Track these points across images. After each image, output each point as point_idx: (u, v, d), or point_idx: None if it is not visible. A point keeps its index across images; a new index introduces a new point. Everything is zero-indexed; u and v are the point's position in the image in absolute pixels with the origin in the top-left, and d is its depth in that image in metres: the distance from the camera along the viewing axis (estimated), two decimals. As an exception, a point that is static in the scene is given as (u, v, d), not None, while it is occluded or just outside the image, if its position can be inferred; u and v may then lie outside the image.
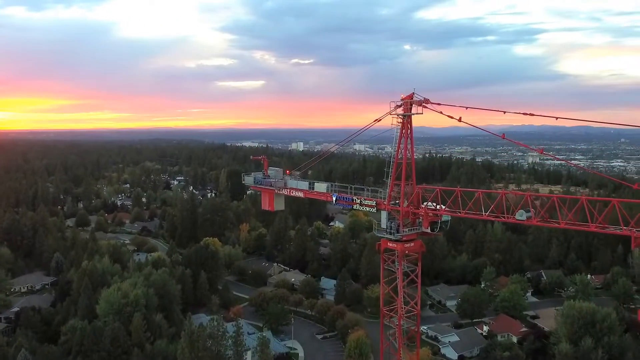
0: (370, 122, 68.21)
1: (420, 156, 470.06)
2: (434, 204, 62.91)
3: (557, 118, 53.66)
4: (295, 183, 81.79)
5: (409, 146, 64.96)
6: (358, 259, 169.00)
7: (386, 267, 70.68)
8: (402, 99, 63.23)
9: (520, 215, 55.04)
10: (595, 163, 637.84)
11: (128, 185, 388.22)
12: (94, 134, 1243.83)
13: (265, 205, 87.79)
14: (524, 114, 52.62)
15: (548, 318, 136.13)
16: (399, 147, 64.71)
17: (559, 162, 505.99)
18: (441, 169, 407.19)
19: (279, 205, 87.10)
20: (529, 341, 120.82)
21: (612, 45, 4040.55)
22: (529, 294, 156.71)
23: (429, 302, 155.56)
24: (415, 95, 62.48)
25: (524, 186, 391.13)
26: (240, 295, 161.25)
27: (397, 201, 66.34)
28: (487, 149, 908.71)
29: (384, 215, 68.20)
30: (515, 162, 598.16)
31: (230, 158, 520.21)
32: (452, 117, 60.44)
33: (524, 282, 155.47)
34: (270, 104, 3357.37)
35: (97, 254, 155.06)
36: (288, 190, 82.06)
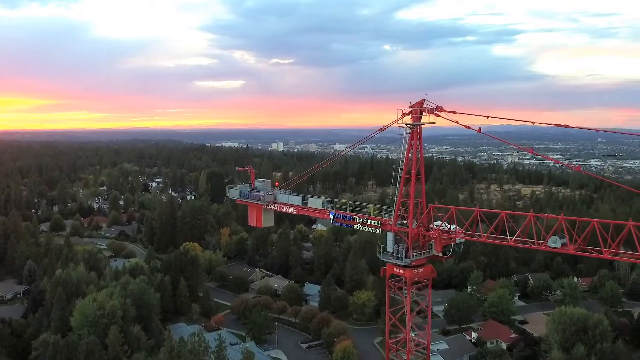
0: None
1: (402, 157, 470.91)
2: (448, 225, 56.00)
3: (598, 130, 48.49)
4: (287, 197, 73.49)
5: (418, 158, 57.80)
6: (342, 263, 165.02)
7: (391, 295, 63.79)
8: (410, 107, 56.27)
9: (554, 242, 48.41)
10: (573, 163, 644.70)
11: (105, 188, 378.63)
12: (70, 135, 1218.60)
13: (252, 222, 79.51)
14: (557, 125, 47.45)
15: (537, 323, 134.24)
16: (407, 160, 57.31)
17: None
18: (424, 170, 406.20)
19: (268, 221, 78.70)
20: (519, 348, 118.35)
21: (589, 46, 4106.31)
22: (515, 298, 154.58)
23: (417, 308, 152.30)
24: (426, 102, 55.45)
25: (505, 186, 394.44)
26: (221, 302, 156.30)
27: (405, 221, 59.04)
28: (466, 148, 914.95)
29: (389, 237, 60.20)
30: (495, 161, 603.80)
31: (210, 159, 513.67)
32: (469, 128, 53.93)
33: (511, 286, 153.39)
34: (250, 104, 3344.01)
35: (72, 261, 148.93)
36: (278, 206, 73.75)
